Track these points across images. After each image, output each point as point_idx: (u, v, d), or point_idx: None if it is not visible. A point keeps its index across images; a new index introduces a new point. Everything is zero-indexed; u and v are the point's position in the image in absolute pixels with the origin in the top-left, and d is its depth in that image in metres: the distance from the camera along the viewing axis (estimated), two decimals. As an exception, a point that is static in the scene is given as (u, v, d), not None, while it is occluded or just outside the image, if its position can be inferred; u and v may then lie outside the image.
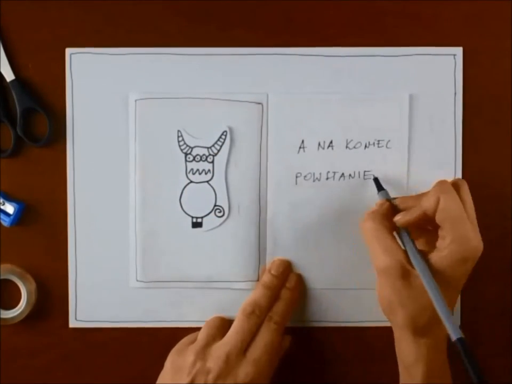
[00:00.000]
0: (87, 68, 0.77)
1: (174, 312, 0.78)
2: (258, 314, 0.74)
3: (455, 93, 0.77)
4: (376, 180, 0.76)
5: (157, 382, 0.74)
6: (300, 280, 0.77)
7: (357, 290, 0.78)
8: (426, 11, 0.77)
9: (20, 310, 0.78)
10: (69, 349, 0.79)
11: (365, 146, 0.77)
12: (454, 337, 0.63)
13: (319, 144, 0.77)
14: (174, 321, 0.78)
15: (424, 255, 0.68)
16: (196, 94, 0.76)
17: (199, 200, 0.77)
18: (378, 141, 0.77)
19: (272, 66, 0.77)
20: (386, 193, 0.74)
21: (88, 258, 0.78)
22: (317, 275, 0.78)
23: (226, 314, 0.78)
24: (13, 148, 0.77)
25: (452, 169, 0.77)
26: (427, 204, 0.68)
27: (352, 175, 0.77)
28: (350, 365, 0.79)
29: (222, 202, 0.77)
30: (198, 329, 0.76)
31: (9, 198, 0.77)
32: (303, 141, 0.77)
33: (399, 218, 0.70)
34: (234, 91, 0.76)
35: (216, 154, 0.77)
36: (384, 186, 0.75)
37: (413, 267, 0.68)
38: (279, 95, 0.77)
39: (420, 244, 0.72)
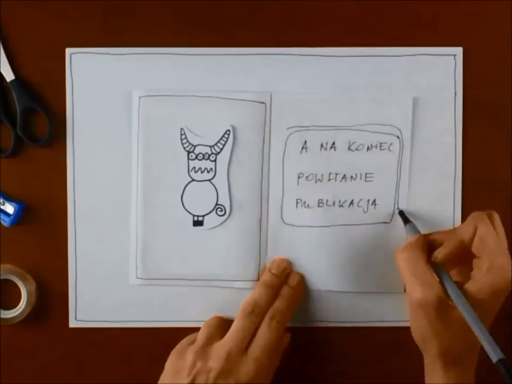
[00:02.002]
0: (87, 68, 0.77)
1: (173, 310, 0.78)
2: (258, 313, 0.74)
3: (455, 93, 0.77)
4: (401, 213, 0.77)
5: (158, 383, 0.74)
6: (302, 279, 0.77)
7: (357, 291, 0.78)
8: (426, 11, 0.77)
9: (20, 310, 0.78)
10: (69, 349, 0.79)
11: (367, 148, 0.77)
12: (495, 359, 0.64)
13: (322, 145, 0.77)
14: (174, 321, 0.78)
15: (459, 287, 0.68)
16: (199, 92, 0.76)
17: (201, 199, 0.77)
18: (381, 143, 0.77)
19: (275, 66, 0.77)
20: (414, 226, 0.75)
21: (88, 258, 0.78)
22: (317, 275, 0.78)
23: (226, 313, 0.78)
24: (13, 148, 0.77)
25: (452, 169, 0.77)
26: (464, 234, 0.69)
27: (354, 176, 0.77)
28: (350, 365, 0.79)
29: (224, 201, 0.77)
30: (198, 328, 0.76)
31: (9, 198, 0.77)
32: (305, 142, 0.77)
33: (437, 253, 0.70)
34: (237, 90, 0.76)
35: (218, 153, 0.77)
36: (387, 185, 0.76)
37: (449, 299, 0.68)
38: (283, 95, 0.77)
39: (453, 274, 0.72)
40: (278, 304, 0.75)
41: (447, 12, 0.77)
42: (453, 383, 0.69)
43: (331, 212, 0.77)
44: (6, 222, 0.77)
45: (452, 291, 0.68)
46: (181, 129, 0.77)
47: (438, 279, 0.69)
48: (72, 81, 0.77)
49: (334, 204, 0.77)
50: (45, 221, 0.78)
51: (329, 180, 0.77)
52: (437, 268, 0.70)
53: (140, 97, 0.76)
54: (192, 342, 0.75)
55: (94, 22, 0.77)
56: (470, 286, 0.68)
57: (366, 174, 0.77)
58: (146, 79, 0.77)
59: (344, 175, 0.77)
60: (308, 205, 0.77)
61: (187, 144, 0.77)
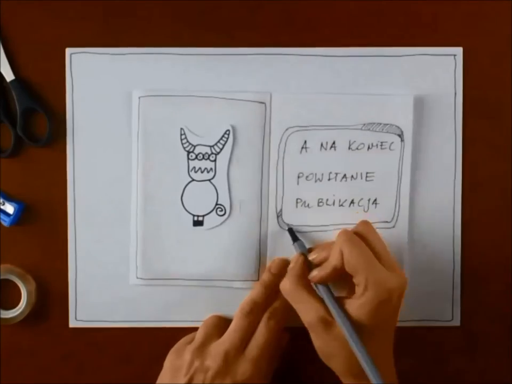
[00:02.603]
0: (87, 68, 0.77)
1: (173, 310, 0.78)
2: (256, 313, 0.74)
3: (455, 93, 0.77)
4: (290, 230, 0.76)
5: (156, 382, 0.74)
6: None
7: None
8: (426, 11, 0.77)
9: (20, 310, 0.78)
10: (69, 349, 0.79)
11: (368, 147, 0.77)
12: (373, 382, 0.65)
13: (322, 145, 0.77)
14: (174, 321, 0.78)
15: (343, 303, 0.69)
16: (199, 92, 0.76)
17: (201, 199, 0.77)
18: (382, 142, 0.77)
19: (275, 66, 0.77)
20: (301, 244, 0.75)
21: (88, 258, 0.78)
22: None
23: (226, 313, 0.77)
24: (13, 148, 0.77)
25: (452, 169, 0.77)
26: (333, 260, 0.69)
27: (354, 176, 0.77)
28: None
29: (224, 201, 0.77)
30: (198, 328, 0.76)
31: (9, 198, 0.77)
32: (305, 142, 0.77)
33: (313, 276, 0.71)
34: (237, 90, 0.76)
35: (218, 153, 0.77)
36: (387, 184, 0.76)
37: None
38: (283, 95, 0.77)
39: (342, 290, 0.73)
40: (277, 304, 0.75)
41: (447, 12, 0.77)
42: None
43: (331, 211, 0.77)
44: (6, 222, 0.77)
45: (333, 311, 0.68)
46: (181, 129, 0.77)
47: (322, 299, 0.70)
48: (72, 81, 0.77)
49: (334, 203, 0.77)
50: (45, 221, 0.78)
51: (329, 179, 0.77)
52: (320, 288, 0.71)
53: (139, 97, 0.76)
54: (191, 341, 0.75)
55: (94, 22, 0.77)
56: (352, 303, 0.68)
57: (367, 173, 0.77)
58: (146, 79, 0.77)
59: (345, 175, 0.77)
60: (308, 205, 0.77)
61: (187, 144, 0.77)
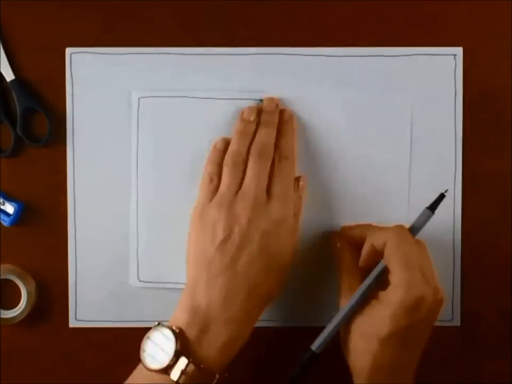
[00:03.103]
0: (87, 68, 0.77)
1: (173, 311, 0.78)
2: (269, 153, 0.73)
3: (455, 93, 0.77)
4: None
5: (189, 250, 0.72)
6: (292, 112, 0.76)
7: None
8: (426, 11, 0.77)
9: (20, 310, 0.78)
10: (69, 349, 0.79)
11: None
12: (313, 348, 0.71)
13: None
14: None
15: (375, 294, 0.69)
16: (199, 93, 0.76)
17: (202, 199, 0.77)
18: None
19: (275, 66, 0.77)
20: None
21: (88, 258, 0.78)
22: (317, 275, 0.78)
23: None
24: (13, 148, 0.77)
25: (452, 169, 0.77)
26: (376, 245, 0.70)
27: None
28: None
29: (224, 201, 0.77)
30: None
31: (9, 198, 0.77)
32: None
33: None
34: (237, 90, 0.76)
35: (218, 152, 0.77)
36: (386, 185, 0.76)
37: None
38: (281, 95, 0.76)
39: None
40: (282, 142, 0.74)
41: (447, 12, 0.77)
42: None
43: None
44: (6, 222, 0.77)
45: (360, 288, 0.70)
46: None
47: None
48: (72, 81, 0.77)
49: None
50: (45, 221, 0.78)
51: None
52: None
53: (139, 98, 0.76)
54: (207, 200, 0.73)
55: (94, 22, 0.77)
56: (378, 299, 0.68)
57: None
58: (146, 79, 0.77)
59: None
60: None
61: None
